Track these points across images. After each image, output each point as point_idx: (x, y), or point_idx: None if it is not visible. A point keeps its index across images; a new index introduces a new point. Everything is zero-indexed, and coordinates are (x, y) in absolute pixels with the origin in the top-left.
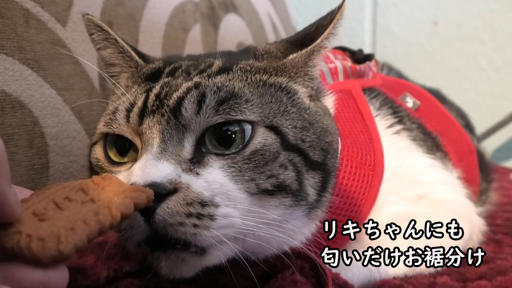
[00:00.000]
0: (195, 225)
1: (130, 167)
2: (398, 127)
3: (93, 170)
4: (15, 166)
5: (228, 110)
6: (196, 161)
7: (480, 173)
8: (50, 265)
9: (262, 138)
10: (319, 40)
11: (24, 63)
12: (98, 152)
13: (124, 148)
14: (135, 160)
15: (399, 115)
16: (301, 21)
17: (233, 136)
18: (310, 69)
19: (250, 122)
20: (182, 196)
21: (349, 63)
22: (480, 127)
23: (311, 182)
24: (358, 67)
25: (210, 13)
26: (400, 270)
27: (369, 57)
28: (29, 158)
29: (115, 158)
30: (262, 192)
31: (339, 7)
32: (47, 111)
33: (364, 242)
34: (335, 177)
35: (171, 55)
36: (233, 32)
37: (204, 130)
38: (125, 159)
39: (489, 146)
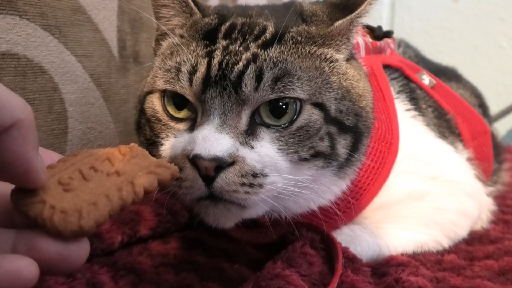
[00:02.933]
0: (246, 192)
1: (188, 127)
2: (414, 112)
3: (146, 118)
4: None
5: (282, 88)
6: (250, 132)
7: None
8: (70, 239)
9: (308, 115)
10: (363, 6)
11: (45, 29)
12: (156, 103)
13: (181, 103)
14: (191, 119)
15: (416, 99)
16: None
17: (284, 108)
18: (351, 34)
19: (299, 99)
20: (238, 168)
21: (369, 39)
22: (496, 106)
23: (342, 144)
24: (378, 43)
25: None
26: (409, 247)
27: (388, 34)
28: (48, 123)
29: (172, 111)
30: (301, 160)
31: None
32: (67, 77)
33: (373, 218)
34: (368, 137)
35: (222, 6)
36: (250, 3)
37: (259, 104)
38: (181, 114)
39: (505, 125)
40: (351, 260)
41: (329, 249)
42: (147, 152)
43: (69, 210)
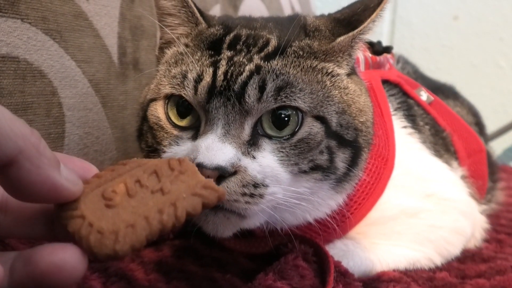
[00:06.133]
0: (247, 202)
1: (192, 135)
2: (411, 130)
3: (148, 126)
4: None
5: (284, 98)
6: (252, 143)
7: None
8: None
9: (309, 127)
10: (366, 23)
11: (47, 33)
12: (159, 111)
13: (184, 111)
14: (194, 128)
15: (413, 116)
16: (321, 6)
17: (287, 119)
18: (353, 50)
19: (301, 111)
20: (240, 178)
21: (369, 54)
22: (493, 125)
23: (341, 158)
24: (377, 58)
25: None
26: (401, 263)
27: (387, 49)
28: (46, 127)
29: (174, 119)
30: (300, 172)
31: None
32: (66, 82)
33: (367, 233)
34: (368, 153)
35: (227, 16)
36: (252, 14)
37: (262, 114)
38: (184, 122)
39: (502, 144)
40: (343, 274)
41: (322, 263)
42: (196, 168)
43: (106, 231)
